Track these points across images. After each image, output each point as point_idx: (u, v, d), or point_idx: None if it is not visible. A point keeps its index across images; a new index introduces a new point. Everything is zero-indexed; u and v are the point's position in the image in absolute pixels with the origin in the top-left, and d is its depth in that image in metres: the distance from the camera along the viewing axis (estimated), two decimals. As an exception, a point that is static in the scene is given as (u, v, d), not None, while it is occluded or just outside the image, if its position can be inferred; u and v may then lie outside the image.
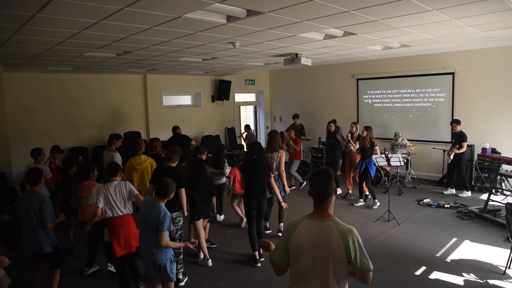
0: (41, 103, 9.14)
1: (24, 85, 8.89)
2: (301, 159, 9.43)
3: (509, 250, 4.90)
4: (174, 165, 4.90)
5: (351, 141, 8.28)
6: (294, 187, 9.38)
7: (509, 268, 4.84)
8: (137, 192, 4.57)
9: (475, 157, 8.73)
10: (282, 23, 4.77)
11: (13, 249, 5.30)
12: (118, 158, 6.59)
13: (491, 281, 4.62)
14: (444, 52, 9.01)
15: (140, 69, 9.32)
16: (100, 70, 9.10)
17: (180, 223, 4.82)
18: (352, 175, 8.60)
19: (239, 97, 13.66)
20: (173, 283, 3.98)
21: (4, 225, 6.83)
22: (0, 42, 5.16)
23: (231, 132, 12.78)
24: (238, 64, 9.44)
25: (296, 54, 7.51)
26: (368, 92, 11.08)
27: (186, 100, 12.43)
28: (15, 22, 4.08)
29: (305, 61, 7.58)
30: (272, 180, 5.38)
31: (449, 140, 8.46)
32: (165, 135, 11.23)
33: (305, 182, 9.29)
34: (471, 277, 4.75)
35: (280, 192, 5.95)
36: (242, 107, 14.17)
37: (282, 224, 6.44)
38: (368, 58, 9.72)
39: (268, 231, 6.58)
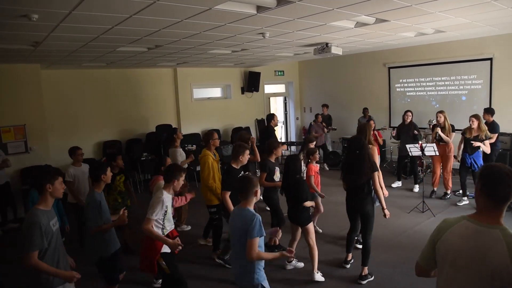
0: (77, 98, 9.45)
1: (61, 81, 9.21)
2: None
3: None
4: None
5: (441, 133, 7.47)
6: None
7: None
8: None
9: (516, 146, 8.37)
10: (313, 12, 4.72)
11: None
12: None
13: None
14: (481, 37, 8.64)
15: (171, 62, 9.45)
16: (132, 64, 9.30)
17: None
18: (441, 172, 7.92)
19: (268, 89, 13.64)
20: None
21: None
22: (38, 40, 5.36)
23: (261, 124, 12.80)
24: (268, 55, 9.41)
25: (327, 43, 7.40)
26: (401, 80, 10.81)
27: (216, 92, 12.52)
28: (53, 19, 4.22)
29: (335, 50, 7.45)
30: (376, 180, 4.47)
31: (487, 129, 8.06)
32: (196, 127, 11.41)
33: None
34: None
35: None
36: (271, 98, 14.15)
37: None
38: (400, 45, 9.46)
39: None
